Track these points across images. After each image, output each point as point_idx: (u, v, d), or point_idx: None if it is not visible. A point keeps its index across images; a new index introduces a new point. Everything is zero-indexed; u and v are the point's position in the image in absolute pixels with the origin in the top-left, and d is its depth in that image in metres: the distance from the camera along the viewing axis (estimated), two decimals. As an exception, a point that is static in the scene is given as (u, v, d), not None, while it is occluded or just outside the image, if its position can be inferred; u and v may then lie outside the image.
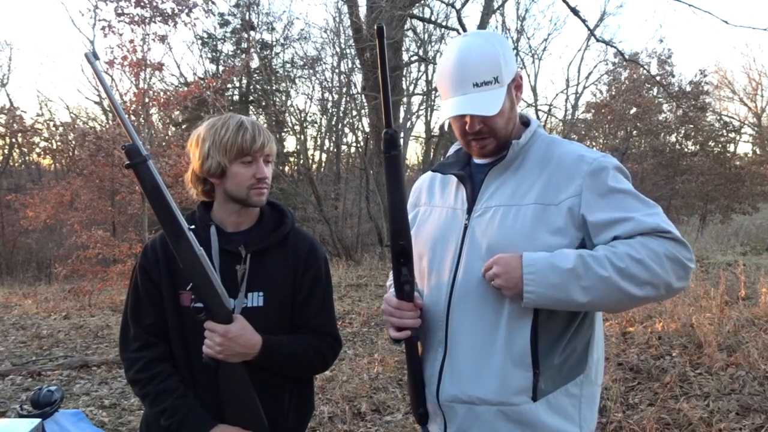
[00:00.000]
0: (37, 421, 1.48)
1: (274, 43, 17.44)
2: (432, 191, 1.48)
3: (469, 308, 1.26)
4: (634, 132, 17.59)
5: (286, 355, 1.42)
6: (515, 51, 16.89)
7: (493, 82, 1.22)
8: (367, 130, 14.44)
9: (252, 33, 16.79)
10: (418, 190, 1.53)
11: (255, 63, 15.54)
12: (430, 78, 16.65)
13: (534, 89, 18.69)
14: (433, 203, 1.45)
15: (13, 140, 13.55)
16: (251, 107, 17.78)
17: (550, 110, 18.03)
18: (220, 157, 1.38)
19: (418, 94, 17.54)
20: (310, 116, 18.95)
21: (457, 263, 1.29)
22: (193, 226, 1.31)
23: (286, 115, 16.80)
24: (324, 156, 20.00)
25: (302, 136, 16.76)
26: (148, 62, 9.03)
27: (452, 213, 1.36)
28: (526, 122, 1.38)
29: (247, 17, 16.52)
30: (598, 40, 12.60)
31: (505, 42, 1.29)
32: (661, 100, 17.07)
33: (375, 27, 1.06)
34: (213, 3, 12.71)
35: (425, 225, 1.42)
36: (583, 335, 1.27)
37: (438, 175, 1.48)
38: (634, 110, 16.36)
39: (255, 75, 16.56)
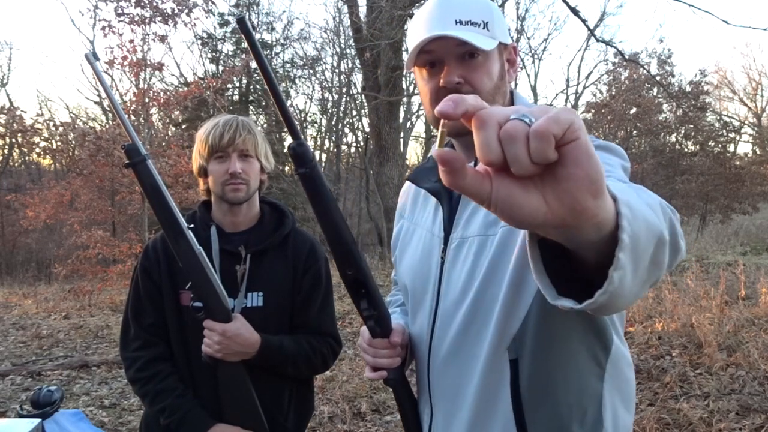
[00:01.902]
0: (37, 421, 1.48)
1: (274, 43, 17.46)
2: (416, 202, 1.21)
3: (446, 368, 1.03)
4: (634, 132, 17.60)
5: (286, 355, 1.42)
6: (515, 51, 16.88)
7: (481, 26, 0.96)
8: (367, 130, 14.44)
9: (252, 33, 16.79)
10: (405, 195, 1.26)
11: (255, 63, 15.54)
12: (430, 78, 16.61)
13: (534, 89, 18.73)
14: (415, 220, 1.18)
15: (13, 140, 13.55)
16: (251, 107, 17.78)
17: (550, 110, 18.02)
18: (200, 158, 1.45)
19: (418, 94, 17.54)
20: (310, 116, 18.99)
21: (435, 309, 1.05)
22: (192, 226, 1.32)
23: (286, 115, 16.79)
24: (324, 156, 20.00)
25: (302, 136, 16.75)
26: (148, 62, 9.04)
27: (430, 239, 1.10)
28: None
29: (247, 17, 16.52)
30: (598, 40, 12.59)
31: (497, 7, 1.03)
32: (661, 100, 17.07)
33: (236, 19, 0.93)
34: (213, 3, 12.71)
35: (407, 250, 1.17)
36: (590, 391, 0.95)
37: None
38: (634, 110, 16.36)
39: (255, 75, 16.56)
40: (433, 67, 0.99)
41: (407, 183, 1.25)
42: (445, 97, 0.82)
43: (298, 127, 0.96)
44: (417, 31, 0.99)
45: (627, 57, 13.62)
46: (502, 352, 0.93)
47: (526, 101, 1.09)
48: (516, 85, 17.66)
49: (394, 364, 1.09)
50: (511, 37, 1.12)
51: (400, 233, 1.23)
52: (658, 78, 15.40)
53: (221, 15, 16.95)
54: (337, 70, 16.01)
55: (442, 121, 0.46)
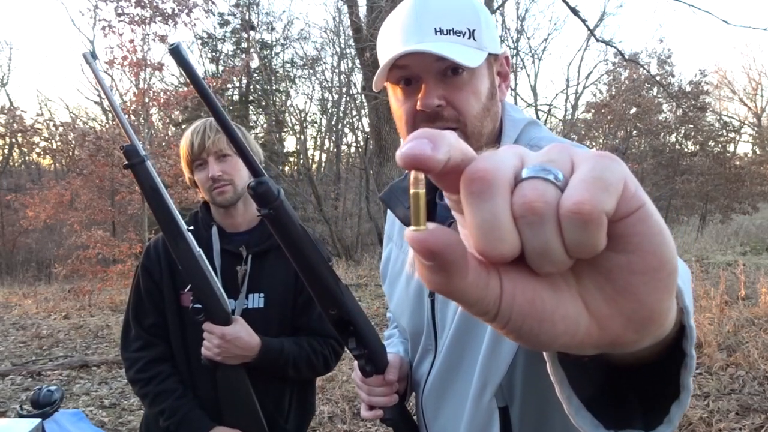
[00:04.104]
0: (37, 421, 1.48)
1: (274, 43, 17.44)
2: (403, 226, 1.06)
3: (437, 411, 0.98)
4: (634, 132, 17.60)
5: (287, 358, 1.41)
6: (515, 51, 16.89)
7: (466, 35, 0.81)
8: (367, 130, 14.44)
9: (252, 33, 16.80)
10: (392, 215, 1.10)
11: (255, 63, 15.55)
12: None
13: (534, 89, 18.73)
14: (403, 248, 1.06)
15: (13, 140, 13.55)
16: (251, 107, 17.78)
17: (550, 110, 18.07)
18: (187, 171, 1.47)
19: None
20: (310, 116, 18.97)
21: (435, 350, 0.97)
22: (192, 227, 1.31)
23: (286, 115, 16.81)
24: (324, 156, 20.00)
25: (302, 136, 16.76)
26: (148, 62, 9.04)
27: (412, 274, 1.01)
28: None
29: (247, 17, 16.52)
30: (598, 40, 12.58)
31: (486, 9, 0.88)
32: (661, 100, 17.07)
33: (168, 48, 0.80)
34: (213, 3, 12.70)
35: (396, 285, 1.07)
36: None
37: None
38: (634, 110, 16.36)
39: (255, 75, 16.55)
40: (408, 84, 0.84)
41: None
42: (422, 126, 0.60)
43: (259, 162, 0.86)
44: (389, 41, 0.83)
45: (627, 57, 13.62)
46: (489, 398, 0.87)
47: (519, 114, 0.93)
48: (516, 85, 17.68)
49: (390, 402, 1.01)
50: (502, 40, 0.97)
51: (389, 260, 1.11)
52: (658, 78, 15.40)
53: (221, 15, 16.95)
54: (337, 70, 16.00)
55: (413, 178, 0.27)
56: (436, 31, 0.80)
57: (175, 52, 0.77)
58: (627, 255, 0.26)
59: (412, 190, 0.27)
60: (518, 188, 0.26)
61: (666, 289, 0.27)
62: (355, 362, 1.01)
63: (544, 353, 0.43)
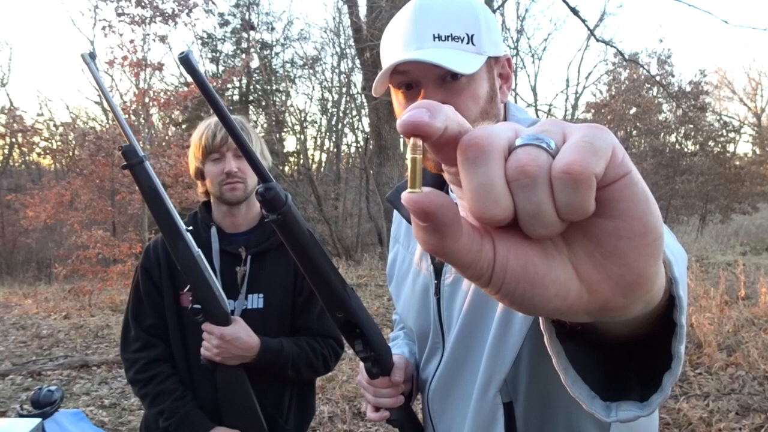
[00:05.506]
0: (37, 421, 1.48)
1: (274, 43, 17.44)
2: (409, 227, 1.07)
3: (443, 409, 0.98)
4: (634, 132, 17.60)
5: (286, 358, 1.41)
6: (515, 51, 16.89)
7: (465, 40, 0.83)
8: (367, 130, 14.45)
9: (252, 33, 16.80)
10: (398, 216, 1.13)
11: (255, 63, 15.55)
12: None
13: (534, 89, 18.76)
14: (410, 248, 1.08)
15: (13, 140, 13.55)
16: (251, 107, 17.78)
17: (550, 110, 18.06)
18: (196, 160, 1.45)
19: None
20: (310, 116, 19.01)
21: (442, 349, 0.99)
22: (191, 227, 1.31)
23: (286, 115, 16.81)
24: (324, 156, 20.00)
25: (302, 136, 16.76)
26: (148, 62, 9.05)
27: (421, 275, 1.02)
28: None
29: (247, 17, 16.53)
30: (598, 40, 12.58)
31: (489, 11, 0.90)
32: (660, 100, 17.08)
33: (178, 57, 0.79)
34: (213, 3, 12.72)
35: (403, 286, 1.08)
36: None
37: None
38: (633, 110, 16.37)
39: (255, 75, 16.56)
40: (409, 89, 0.87)
41: None
42: None
43: (266, 167, 0.87)
44: (390, 47, 0.87)
45: (627, 57, 13.63)
46: (494, 394, 0.88)
47: (523, 114, 0.94)
48: (516, 85, 17.69)
49: (397, 404, 1.02)
50: (507, 44, 0.99)
51: (396, 261, 1.13)
52: (657, 78, 15.41)
53: (221, 15, 16.96)
54: (337, 70, 16.00)
55: (411, 144, 0.28)
56: (434, 38, 0.82)
57: (185, 62, 0.77)
58: (614, 220, 0.28)
59: (410, 155, 0.29)
60: (512, 154, 0.28)
61: (652, 254, 0.29)
62: (361, 364, 1.02)
63: (542, 326, 0.44)
